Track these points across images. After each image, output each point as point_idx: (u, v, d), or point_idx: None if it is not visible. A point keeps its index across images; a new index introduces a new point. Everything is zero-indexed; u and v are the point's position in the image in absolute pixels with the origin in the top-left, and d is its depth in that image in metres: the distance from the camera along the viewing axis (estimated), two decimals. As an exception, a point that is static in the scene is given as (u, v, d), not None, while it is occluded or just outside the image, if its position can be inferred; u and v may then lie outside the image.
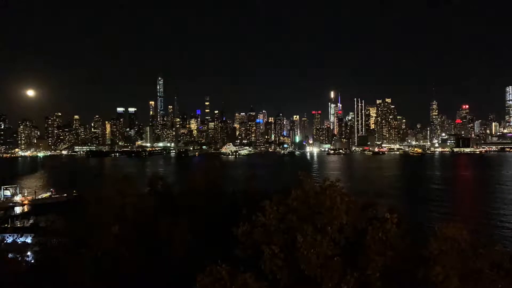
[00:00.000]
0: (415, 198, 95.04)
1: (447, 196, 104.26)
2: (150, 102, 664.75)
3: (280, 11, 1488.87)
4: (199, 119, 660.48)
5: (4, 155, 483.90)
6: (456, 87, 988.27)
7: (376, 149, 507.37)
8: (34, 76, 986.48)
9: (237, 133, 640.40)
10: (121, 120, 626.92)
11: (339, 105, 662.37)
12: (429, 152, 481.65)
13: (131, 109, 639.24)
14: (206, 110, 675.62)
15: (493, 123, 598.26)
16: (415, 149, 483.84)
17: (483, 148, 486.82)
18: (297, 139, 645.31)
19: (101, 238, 18.00)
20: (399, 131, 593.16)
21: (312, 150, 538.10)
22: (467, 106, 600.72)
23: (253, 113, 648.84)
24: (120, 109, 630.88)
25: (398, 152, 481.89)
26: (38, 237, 21.59)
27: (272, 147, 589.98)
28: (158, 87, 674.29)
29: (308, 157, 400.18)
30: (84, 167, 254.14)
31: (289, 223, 13.23)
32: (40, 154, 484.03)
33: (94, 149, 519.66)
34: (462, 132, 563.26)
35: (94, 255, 17.42)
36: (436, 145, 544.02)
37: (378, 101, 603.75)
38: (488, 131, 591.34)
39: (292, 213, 13.43)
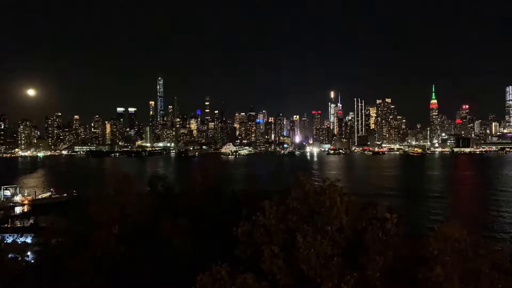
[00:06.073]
0: (415, 198, 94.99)
1: (447, 196, 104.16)
2: (150, 102, 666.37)
3: (280, 11, 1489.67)
4: (199, 119, 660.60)
5: (4, 155, 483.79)
6: (456, 87, 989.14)
7: (376, 149, 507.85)
8: (34, 76, 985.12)
9: (237, 133, 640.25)
10: (121, 120, 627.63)
11: (339, 105, 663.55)
12: (429, 152, 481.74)
13: (131, 109, 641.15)
14: (206, 110, 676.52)
15: (493, 123, 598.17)
16: (415, 149, 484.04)
17: (483, 148, 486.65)
18: (297, 139, 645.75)
19: (101, 238, 18.00)
20: (399, 131, 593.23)
21: (312, 150, 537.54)
22: (467, 106, 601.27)
23: (253, 113, 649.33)
24: (120, 109, 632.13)
25: (398, 152, 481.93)
26: (38, 237, 21.54)
27: (272, 147, 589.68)
28: (158, 87, 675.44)
29: (308, 157, 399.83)
30: (84, 167, 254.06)
31: (289, 223, 13.23)
32: (40, 154, 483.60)
33: (94, 149, 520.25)
34: (462, 132, 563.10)
35: (94, 255, 17.42)
36: (436, 145, 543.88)
37: (378, 101, 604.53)
38: (488, 131, 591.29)
39: (292, 213, 13.43)
